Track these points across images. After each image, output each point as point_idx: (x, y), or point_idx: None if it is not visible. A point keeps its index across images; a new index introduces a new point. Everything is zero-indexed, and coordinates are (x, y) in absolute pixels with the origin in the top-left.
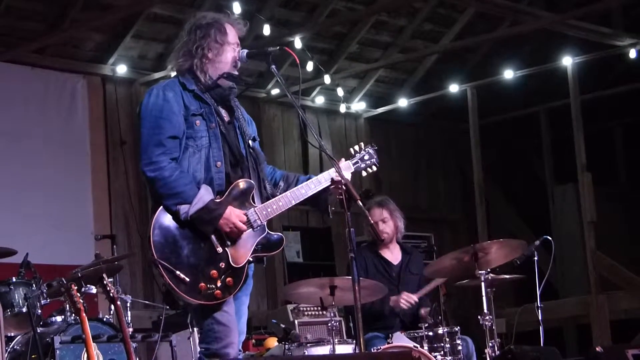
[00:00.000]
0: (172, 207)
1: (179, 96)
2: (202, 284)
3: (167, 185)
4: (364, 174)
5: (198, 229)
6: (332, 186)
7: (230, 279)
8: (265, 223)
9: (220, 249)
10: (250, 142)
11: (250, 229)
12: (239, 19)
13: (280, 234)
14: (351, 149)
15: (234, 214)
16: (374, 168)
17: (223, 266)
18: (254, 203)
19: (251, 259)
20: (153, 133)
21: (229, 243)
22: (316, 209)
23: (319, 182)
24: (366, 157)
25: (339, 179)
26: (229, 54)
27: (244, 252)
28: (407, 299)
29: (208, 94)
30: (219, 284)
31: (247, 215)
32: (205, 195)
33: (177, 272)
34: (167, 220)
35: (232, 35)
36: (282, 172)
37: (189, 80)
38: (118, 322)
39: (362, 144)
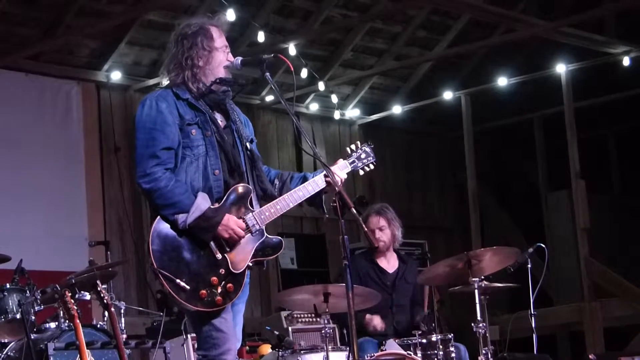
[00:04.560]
0: (170, 217)
1: (172, 106)
2: (203, 291)
3: (164, 195)
4: (361, 172)
5: (197, 236)
6: (329, 187)
7: (231, 284)
8: (263, 227)
9: (219, 256)
10: (247, 144)
11: (249, 234)
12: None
13: (278, 237)
14: (347, 148)
15: (232, 220)
16: (371, 166)
17: (223, 272)
18: (252, 207)
19: (250, 264)
20: (147, 145)
21: (228, 249)
22: (312, 206)
23: (316, 183)
24: (363, 156)
25: (333, 179)
26: (219, 58)
27: (243, 257)
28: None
29: (202, 101)
30: (219, 290)
31: (245, 221)
32: (202, 203)
33: (178, 281)
34: (166, 228)
35: (219, 38)
36: (276, 171)
37: (182, 90)
38: (112, 328)
39: (358, 142)
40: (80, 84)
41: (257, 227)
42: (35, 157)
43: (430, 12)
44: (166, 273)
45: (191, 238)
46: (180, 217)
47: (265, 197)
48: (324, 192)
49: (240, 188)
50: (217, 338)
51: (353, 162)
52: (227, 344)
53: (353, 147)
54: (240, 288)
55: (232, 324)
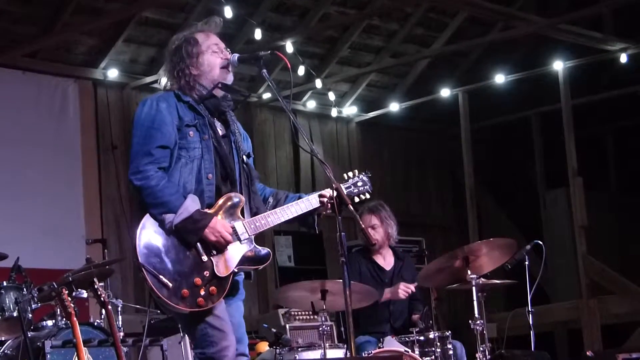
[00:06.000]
0: (158, 215)
1: (172, 107)
2: (185, 290)
3: (153, 194)
4: (356, 199)
5: (183, 238)
6: (322, 207)
7: (214, 288)
8: (252, 237)
9: (205, 258)
10: (244, 157)
11: (237, 241)
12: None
13: (267, 249)
14: (345, 175)
15: (219, 224)
16: (367, 195)
17: (207, 275)
18: (243, 218)
19: (236, 270)
20: (143, 143)
21: (214, 252)
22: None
23: (309, 202)
24: (359, 184)
25: (327, 198)
26: (210, 59)
27: (229, 262)
28: (405, 289)
29: (203, 105)
30: (202, 292)
31: (234, 227)
32: (190, 205)
33: (161, 277)
34: (153, 226)
35: (206, 40)
36: (271, 189)
37: (183, 93)
38: (109, 326)
39: (356, 171)
40: (77, 81)
41: (246, 235)
42: (32, 155)
43: (427, 9)
44: (150, 268)
45: (178, 238)
46: (168, 217)
47: (255, 211)
48: (317, 213)
49: (234, 196)
50: (213, 336)
51: (349, 187)
52: (225, 341)
53: (350, 174)
54: (224, 292)
55: (228, 322)
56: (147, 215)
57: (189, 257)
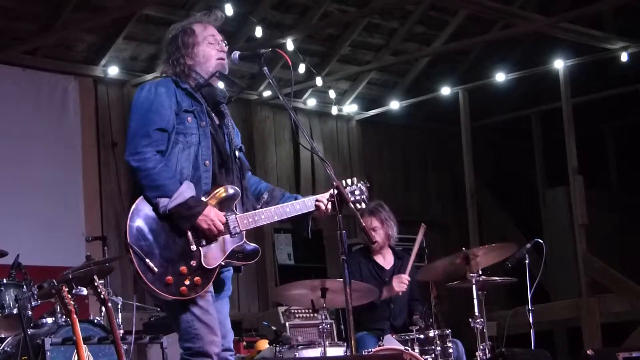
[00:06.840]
0: (153, 199)
1: (171, 92)
2: (170, 277)
3: (150, 176)
4: (352, 206)
5: (175, 223)
6: (316, 211)
7: (199, 278)
8: (244, 232)
9: (194, 247)
10: (236, 151)
11: (228, 235)
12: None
13: (256, 245)
14: (343, 181)
15: (213, 212)
16: (363, 205)
17: (194, 264)
18: (236, 211)
19: (223, 263)
20: (141, 125)
21: (204, 242)
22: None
23: (305, 204)
24: (357, 192)
25: (324, 204)
26: (206, 50)
27: (217, 255)
28: (399, 281)
29: (199, 93)
30: (186, 282)
31: (227, 219)
32: (186, 191)
33: (147, 260)
34: (147, 209)
35: (202, 32)
36: (267, 185)
37: (181, 80)
38: (109, 323)
39: (354, 178)
40: (78, 79)
41: (238, 230)
42: (32, 152)
43: (427, 8)
44: (137, 250)
45: (170, 224)
46: (162, 201)
47: (248, 206)
48: (312, 216)
49: (230, 189)
50: (199, 329)
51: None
52: (211, 335)
53: (349, 181)
54: (208, 284)
55: (215, 317)
56: (142, 197)
57: (178, 245)
